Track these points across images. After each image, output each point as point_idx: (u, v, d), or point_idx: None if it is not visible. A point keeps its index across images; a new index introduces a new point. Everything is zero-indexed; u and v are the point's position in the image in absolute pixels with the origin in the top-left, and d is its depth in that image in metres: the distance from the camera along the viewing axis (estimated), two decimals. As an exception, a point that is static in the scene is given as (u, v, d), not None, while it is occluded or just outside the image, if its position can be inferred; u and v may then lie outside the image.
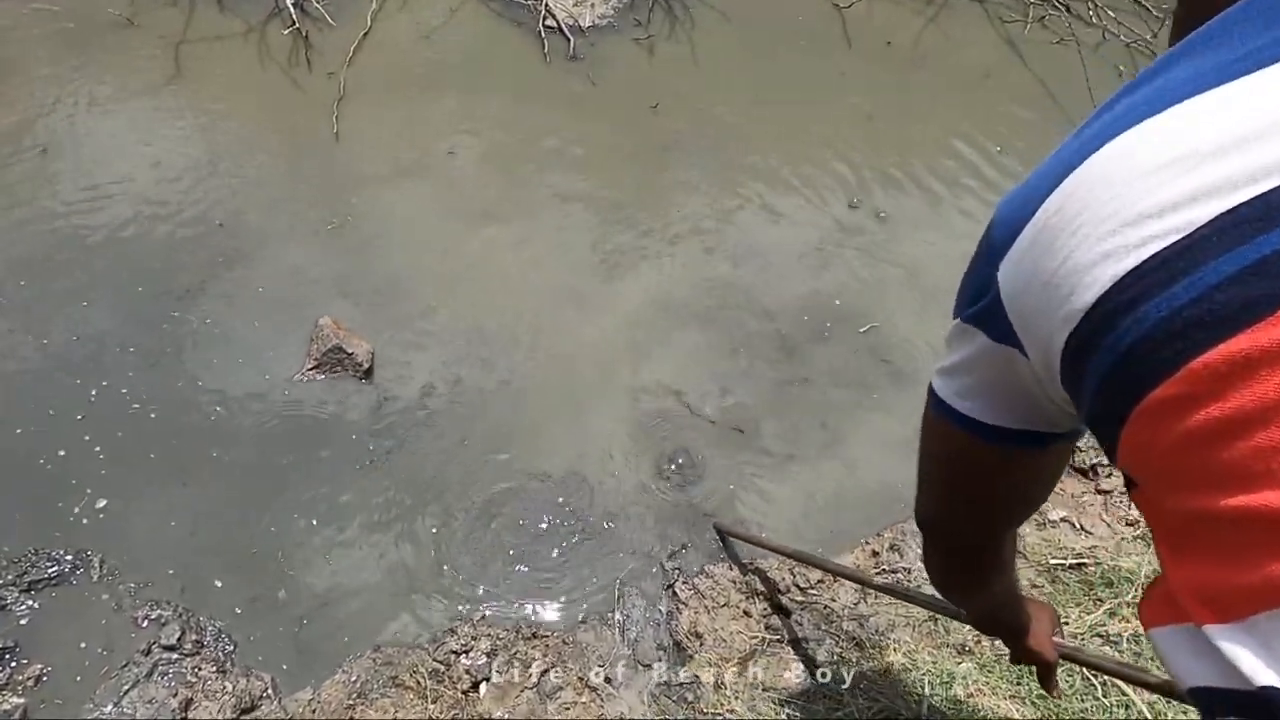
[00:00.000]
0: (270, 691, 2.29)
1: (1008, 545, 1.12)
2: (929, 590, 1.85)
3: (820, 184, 3.89)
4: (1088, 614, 2.20)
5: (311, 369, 3.06)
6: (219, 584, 2.50)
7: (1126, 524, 2.60)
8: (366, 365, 3.05)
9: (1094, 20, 4.96)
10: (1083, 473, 2.91)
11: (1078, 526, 2.59)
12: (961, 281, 0.75)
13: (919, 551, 2.58)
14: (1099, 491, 2.78)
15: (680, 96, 4.21)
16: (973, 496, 0.95)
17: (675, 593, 2.54)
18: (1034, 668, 1.40)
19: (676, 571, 2.60)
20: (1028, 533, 2.60)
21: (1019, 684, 2.02)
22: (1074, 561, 2.42)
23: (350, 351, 3.05)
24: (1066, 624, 2.19)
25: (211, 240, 3.37)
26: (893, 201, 3.87)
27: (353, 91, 4.02)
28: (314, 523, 2.65)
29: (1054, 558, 2.46)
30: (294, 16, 4.24)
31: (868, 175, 3.97)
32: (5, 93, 3.80)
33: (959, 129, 4.24)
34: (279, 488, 2.72)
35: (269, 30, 4.28)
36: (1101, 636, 2.12)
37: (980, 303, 0.70)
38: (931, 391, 0.84)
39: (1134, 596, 2.23)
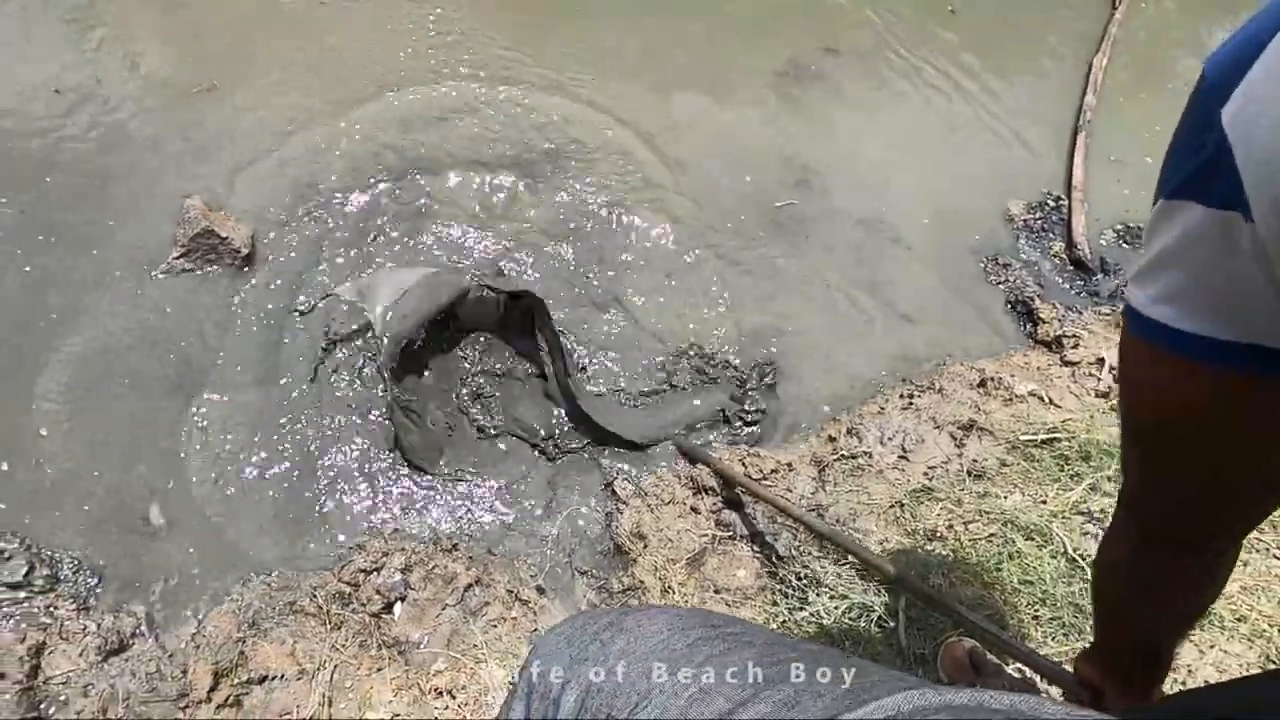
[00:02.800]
0: (144, 628, 1.95)
1: (1224, 562, 0.87)
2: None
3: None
4: (1067, 490, 2.01)
5: (179, 257, 2.60)
6: (76, 510, 2.11)
7: (1097, 395, 2.42)
8: (246, 251, 2.61)
9: None
10: (1047, 345, 2.71)
11: (1046, 400, 2.40)
12: (1164, 161, 0.69)
13: (878, 434, 2.35)
14: (1065, 363, 2.59)
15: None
16: (1187, 460, 0.73)
17: (615, 491, 2.26)
18: None
19: (617, 469, 2.33)
20: (994, 409, 2.40)
21: (999, 570, 1.83)
22: (1046, 436, 2.23)
23: (225, 236, 2.59)
24: (1044, 503, 2.01)
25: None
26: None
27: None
28: (197, 434, 2.26)
29: (1024, 434, 2.26)
30: None
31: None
32: None
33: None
34: (148, 397, 2.30)
35: None
36: (1084, 514, 1.94)
37: (1194, 163, 0.62)
38: (1127, 310, 0.71)
39: (1114, 470, 2.05)
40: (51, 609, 1.96)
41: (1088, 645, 1.21)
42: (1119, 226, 3.11)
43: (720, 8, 3.60)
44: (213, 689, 1.82)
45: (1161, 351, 0.67)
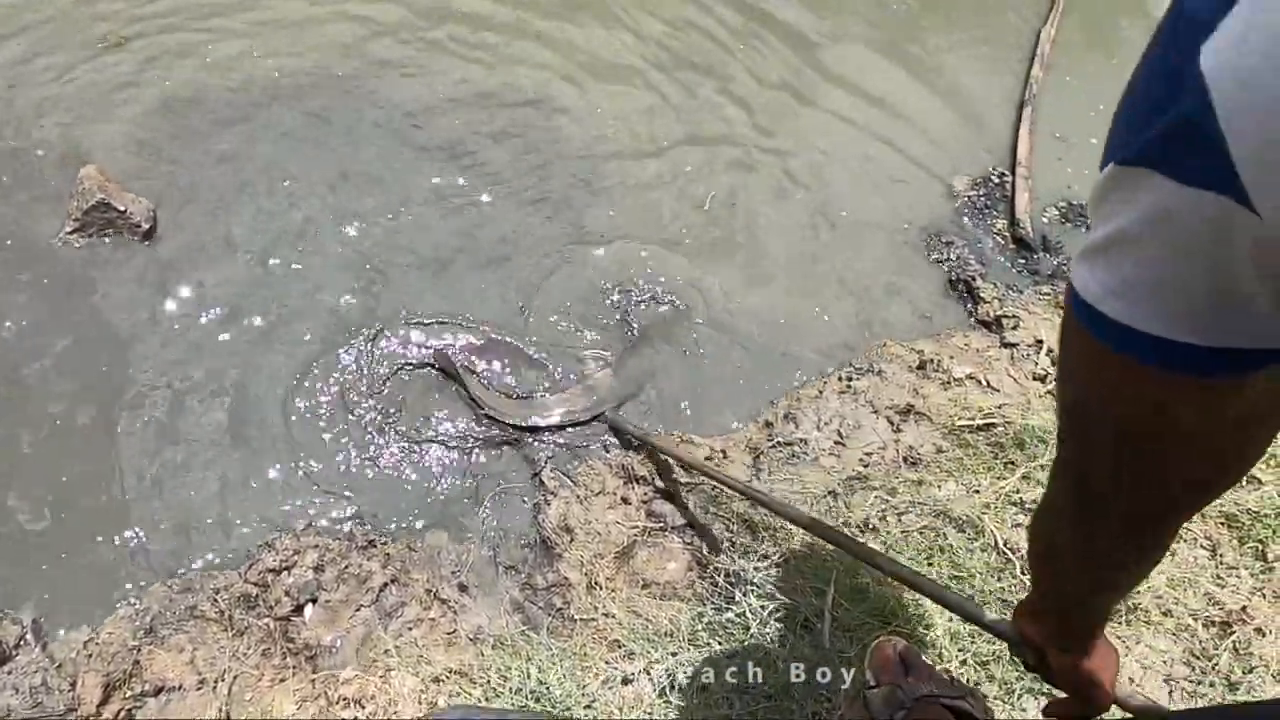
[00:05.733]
0: (29, 637, 1.81)
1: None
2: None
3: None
4: (1001, 479, 1.98)
5: (73, 231, 2.41)
6: (-49, 509, 1.95)
7: (1034, 378, 2.39)
8: (146, 226, 2.42)
9: None
10: (986, 325, 2.67)
11: (984, 384, 2.36)
12: (1117, 112, 0.53)
13: (815, 420, 2.30)
14: (1005, 345, 2.55)
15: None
16: (1145, 453, 0.63)
17: (543, 481, 2.17)
18: (1065, 694, 1.02)
19: (545, 458, 2.23)
20: (932, 393, 2.35)
21: (929, 564, 1.79)
22: (982, 422, 2.19)
23: (123, 209, 2.40)
24: (978, 493, 1.97)
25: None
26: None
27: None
28: (82, 430, 2.11)
29: (960, 419, 2.22)
30: None
31: None
32: None
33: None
34: (21, 388, 2.14)
35: None
36: (1016, 504, 1.91)
37: (1161, 122, 0.46)
38: (1072, 293, 0.58)
39: (1048, 459, 2.02)
40: (-75, 617, 1.81)
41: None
42: (1061, 204, 3.07)
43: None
44: (103, 702, 1.70)
45: (1110, 351, 0.56)
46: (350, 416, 2.21)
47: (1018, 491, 1.93)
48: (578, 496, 2.12)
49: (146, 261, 2.39)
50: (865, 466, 2.16)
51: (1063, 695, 0.99)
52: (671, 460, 2.13)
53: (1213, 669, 1.62)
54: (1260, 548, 1.79)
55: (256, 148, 2.68)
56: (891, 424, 2.27)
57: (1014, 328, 2.59)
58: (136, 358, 2.22)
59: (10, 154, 2.53)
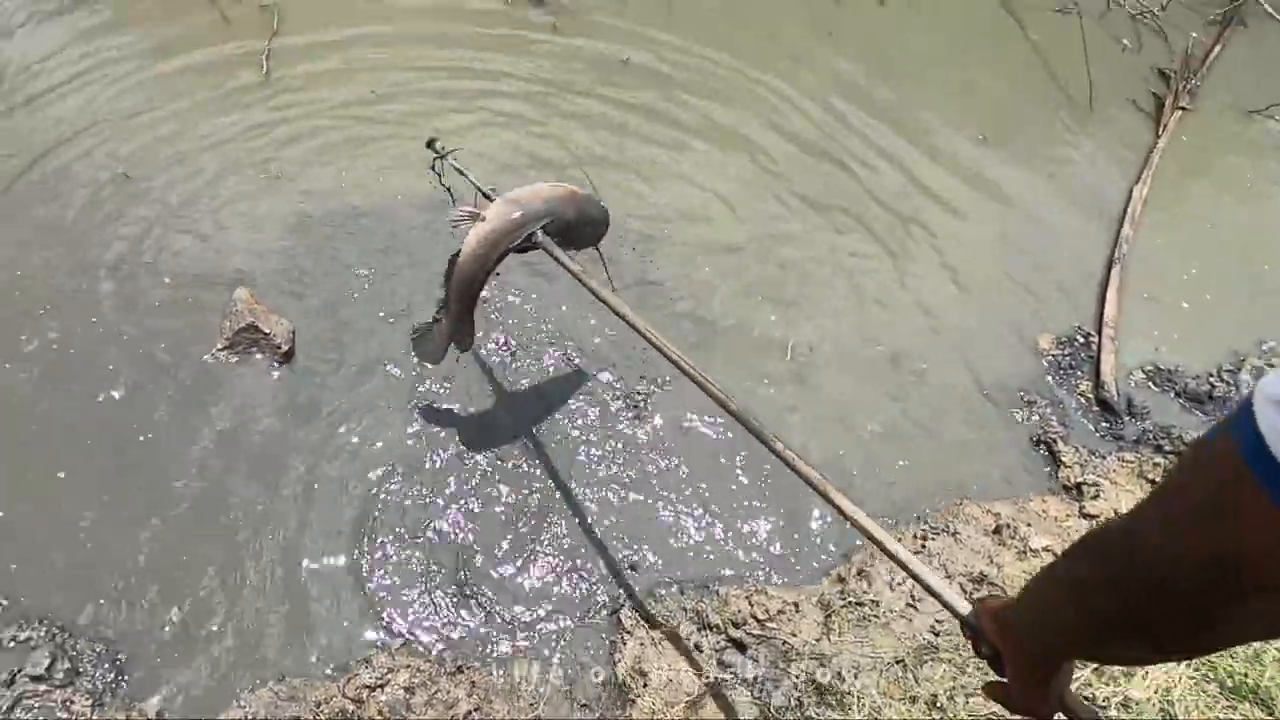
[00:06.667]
0: (153, 731, 2.02)
1: None
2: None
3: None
4: (1079, 667, 1.98)
5: (223, 349, 2.72)
6: (100, 604, 2.19)
7: (1113, 556, 2.39)
8: (286, 348, 2.72)
9: (1101, -14, 4.63)
10: (1067, 490, 2.69)
11: (1061, 557, 2.37)
12: None
13: (888, 579, 2.35)
14: (1084, 515, 2.57)
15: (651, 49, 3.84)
16: (1263, 613, 0.60)
17: (620, 620, 2.29)
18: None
19: (623, 596, 2.35)
20: (1007, 562, 2.38)
21: (995, 754, 1.81)
22: (1057, 601, 2.20)
23: (267, 331, 2.71)
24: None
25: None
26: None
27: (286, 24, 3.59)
28: (213, 535, 2.35)
29: (1035, 594, 2.24)
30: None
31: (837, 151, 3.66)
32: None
33: (941, 107, 3.92)
34: (169, 495, 2.40)
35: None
36: (1089, 699, 1.91)
37: None
38: (1244, 441, 0.53)
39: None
40: (69, 703, 2.03)
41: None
42: (1149, 368, 3.09)
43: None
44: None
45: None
46: (446, 544, 2.40)
47: (1090, 686, 1.94)
48: (652, 639, 2.23)
49: (283, 380, 2.67)
50: (936, 635, 2.20)
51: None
52: (607, 306, 2.08)
53: None
54: None
55: (399, 275, 2.97)
56: (965, 592, 2.31)
57: (1094, 497, 2.60)
58: (269, 468, 2.47)
59: (178, 274, 2.89)
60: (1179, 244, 3.48)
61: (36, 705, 2.01)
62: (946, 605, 1.23)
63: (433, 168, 2.41)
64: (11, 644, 2.10)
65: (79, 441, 2.45)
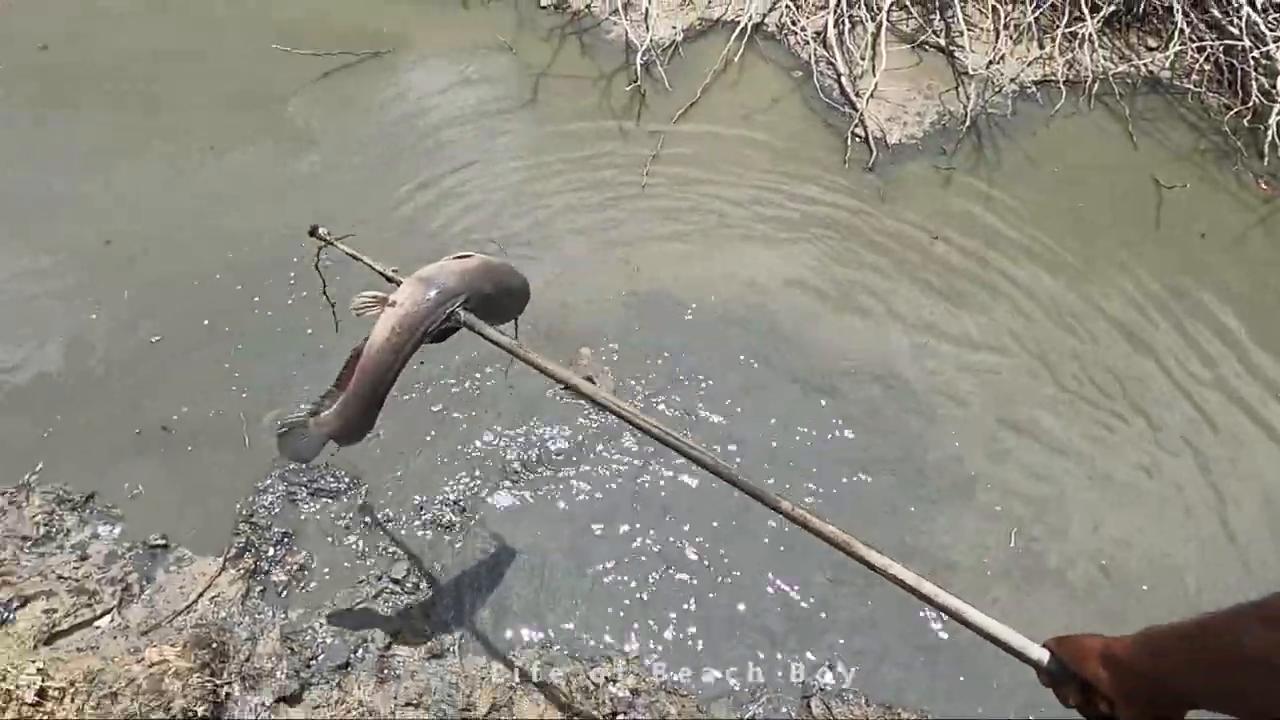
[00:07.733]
0: (455, 646, 2.74)
1: None
2: None
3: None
4: None
5: (562, 387, 3.52)
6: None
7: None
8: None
9: None
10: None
11: None
12: None
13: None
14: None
15: (964, 231, 4.29)
16: None
17: (810, 707, 2.69)
18: None
19: (814, 686, 2.76)
20: None
21: None
22: None
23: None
24: None
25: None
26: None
27: (667, 152, 4.51)
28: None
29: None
30: (638, 74, 4.83)
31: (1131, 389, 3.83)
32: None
33: (1251, 360, 3.93)
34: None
35: (615, 80, 4.91)
36: None
37: None
38: None
39: None
40: (409, 608, 2.82)
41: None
42: None
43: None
44: None
45: None
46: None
47: None
48: (833, 731, 2.61)
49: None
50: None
51: None
52: (547, 374, 1.98)
53: None
54: None
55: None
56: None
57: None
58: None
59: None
60: None
61: (390, 603, 2.82)
62: (1016, 653, 1.15)
63: (317, 258, 2.32)
64: (385, 551, 2.95)
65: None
